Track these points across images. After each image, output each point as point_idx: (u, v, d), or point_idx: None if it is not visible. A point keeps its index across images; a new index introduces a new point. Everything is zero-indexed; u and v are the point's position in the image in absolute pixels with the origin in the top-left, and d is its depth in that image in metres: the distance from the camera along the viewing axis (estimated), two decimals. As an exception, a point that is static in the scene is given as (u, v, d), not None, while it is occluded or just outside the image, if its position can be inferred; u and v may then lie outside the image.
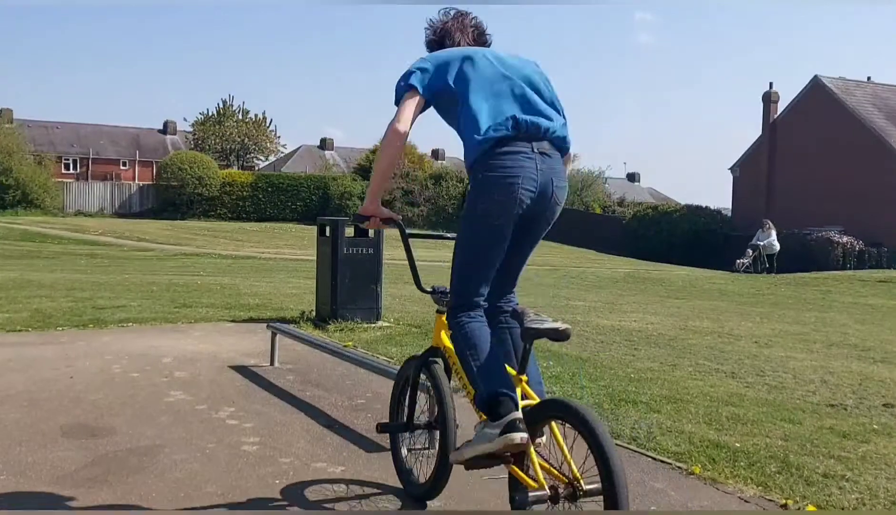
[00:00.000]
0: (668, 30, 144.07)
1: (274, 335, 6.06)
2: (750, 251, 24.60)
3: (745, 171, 41.13)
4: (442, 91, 2.86)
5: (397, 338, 7.28)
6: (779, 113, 39.78)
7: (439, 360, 3.16)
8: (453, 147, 56.79)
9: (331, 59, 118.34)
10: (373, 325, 7.89)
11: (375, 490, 3.44)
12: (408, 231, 3.25)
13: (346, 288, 7.91)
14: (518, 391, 2.68)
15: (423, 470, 3.32)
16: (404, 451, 3.46)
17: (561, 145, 2.85)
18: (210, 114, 54.86)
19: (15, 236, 27.44)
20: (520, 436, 2.52)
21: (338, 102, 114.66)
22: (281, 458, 3.84)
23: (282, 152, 60.02)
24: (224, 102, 55.33)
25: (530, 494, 2.53)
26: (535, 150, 2.74)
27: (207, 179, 41.41)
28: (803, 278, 22.71)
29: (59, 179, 44.36)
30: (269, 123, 56.45)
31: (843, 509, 3.31)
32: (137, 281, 12.93)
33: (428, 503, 3.30)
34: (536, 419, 2.61)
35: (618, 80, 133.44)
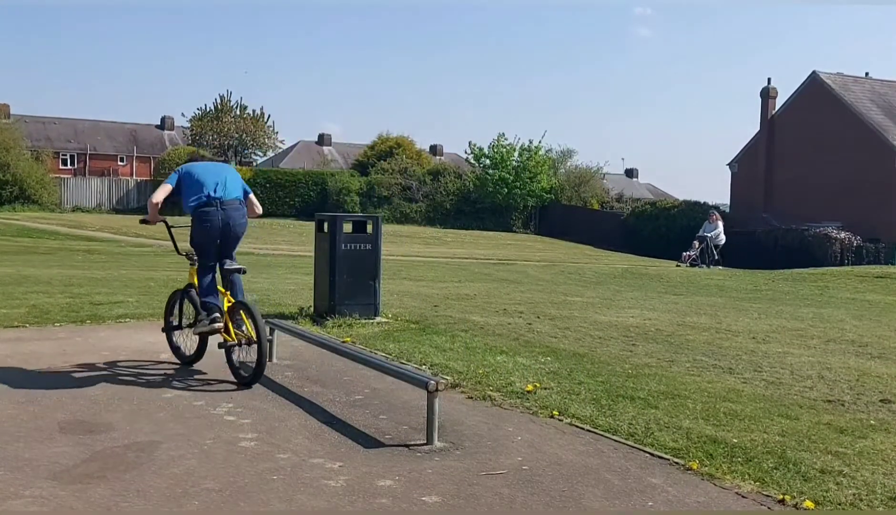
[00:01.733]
0: (667, 25, 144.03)
1: (272, 330, 6.05)
2: (696, 243, 24.50)
3: (744, 166, 41.17)
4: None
5: (395, 334, 7.27)
6: (777, 109, 39.80)
7: (193, 290, 5.60)
8: (452, 143, 56.84)
9: (329, 55, 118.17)
10: (371, 321, 7.88)
11: (373, 486, 3.45)
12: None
13: (345, 284, 7.90)
14: (224, 299, 5.44)
15: (188, 348, 5.75)
16: (176, 339, 5.85)
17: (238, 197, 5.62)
18: (208, 109, 54.69)
19: (12, 231, 27.41)
20: (218, 325, 5.33)
21: (336, 97, 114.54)
22: (279, 454, 3.84)
23: (280, 148, 59.95)
24: (222, 98, 55.14)
25: (228, 343, 5.29)
26: (219, 207, 5.46)
27: (205, 174, 41.35)
28: (801, 274, 22.73)
29: (57, 175, 44.29)
30: (267, 119, 56.31)
31: (839, 504, 3.32)
32: (135, 277, 12.91)
33: (426, 499, 3.30)
34: (232, 310, 5.37)
35: (616, 75, 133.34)
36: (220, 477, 3.49)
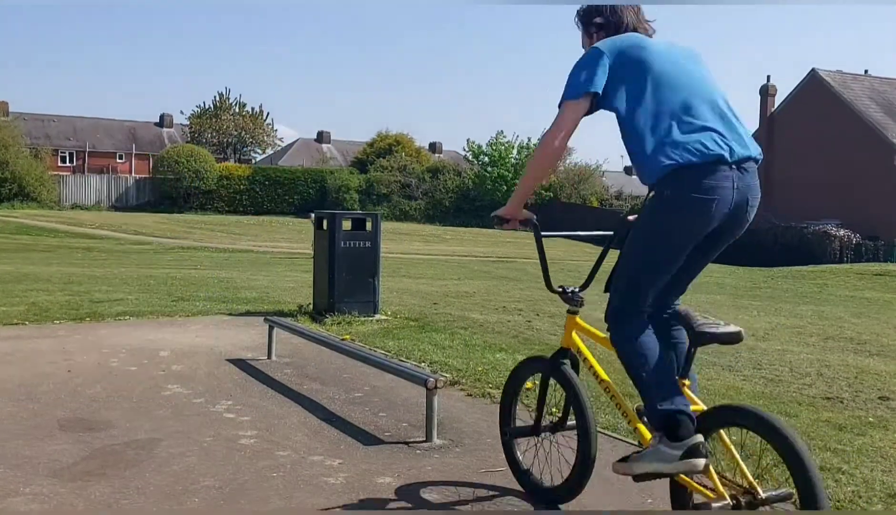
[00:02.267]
0: (666, 22, 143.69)
1: (271, 328, 6.06)
2: None
3: (743, 164, 41.12)
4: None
5: (394, 332, 7.28)
6: (776, 106, 39.78)
7: (568, 361, 3.13)
8: (451, 141, 56.76)
9: (328, 53, 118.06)
10: (370, 318, 7.89)
11: (372, 484, 3.45)
12: (542, 233, 3.23)
13: (344, 282, 7.91)
14: (691, 401, 2.64)
15: (550, 473, 3.21)
16: (519, 453, 3.37)
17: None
18: (207, 107, 54.69)
19: (11, 229, 27.40)
20: (703, 462, 2.49)
21: (335, 95, 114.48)
22: (278, 451, 3.84)
23: (279, 146, 59.94)
24: (221, 96, 55.15)
25: (713, 505, 2.47)
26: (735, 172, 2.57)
27: (204, 172, 41.36)
28: (800, 272, 22.74)
29: (56, 173, 44.28)
30: (266, 117, 56.31)
31: (838, 501, 3.32)
32: (134, 275, 12.92)
33: (426, 496, 3.31)
34: (709, 426, 2.57)
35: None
36: (220, 475, 3.49)
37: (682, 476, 2.56)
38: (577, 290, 3.14)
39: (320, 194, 42.09)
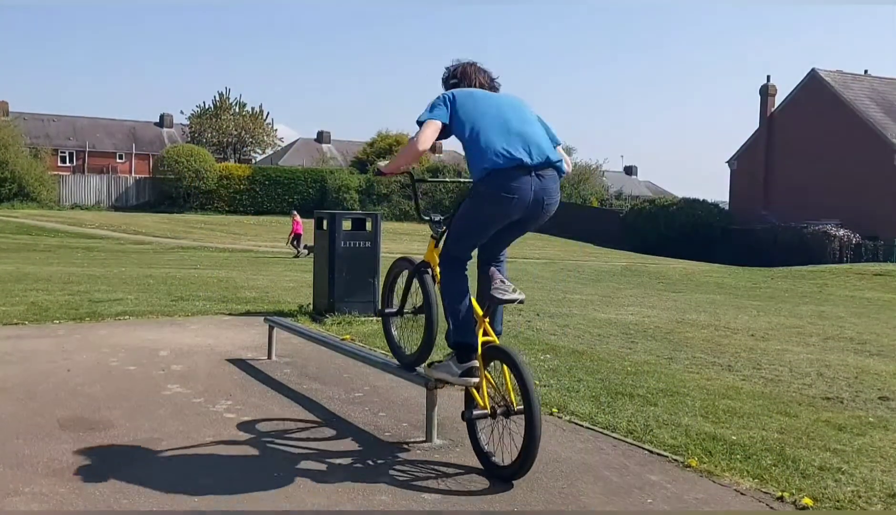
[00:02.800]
0: (666, 21, 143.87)
1: (271, 328, 6.05)
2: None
3: (743, 164, 41.16)
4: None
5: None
6: (776, 106, 39.79)
7: (429, 273, 3.99)
8: (451, 141, 56.68)
9: (328, 52, 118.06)
10: (370, 318, 7.88)
11: (373, 483, 3.45)
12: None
13: (344, 282, 7.90)
14: (480, 329, 3.62)
15: (409, 346, 4.24)
16: (394, 330, 4.38)
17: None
18: (207, 107, 54.67)
19: (11, 229, 27.40)
20: (475, 380, 3.56)
21: (335, 95, 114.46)
22: (278, 451, 3.84)
23: (279, 146, 59.91)
24: (221, 95, 55.13)
25: (475, 412, 3.60)
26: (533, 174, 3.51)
27: (204, 172, 41.35)
28: (800, 272, 22.75)
29: (56, 173, 44.28)
30: (266, 116, 56.28)
31: (838, 501, 3.32)
32: (134, 274, 12.92)
33: (426, 495, 3.31)
34: (489, 356, 3.59)
35: (616, 72, 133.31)
36: (220, 474, 3.49)
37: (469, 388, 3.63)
38: (441, 220, 3.94)
39: (320, 193, 42.08)
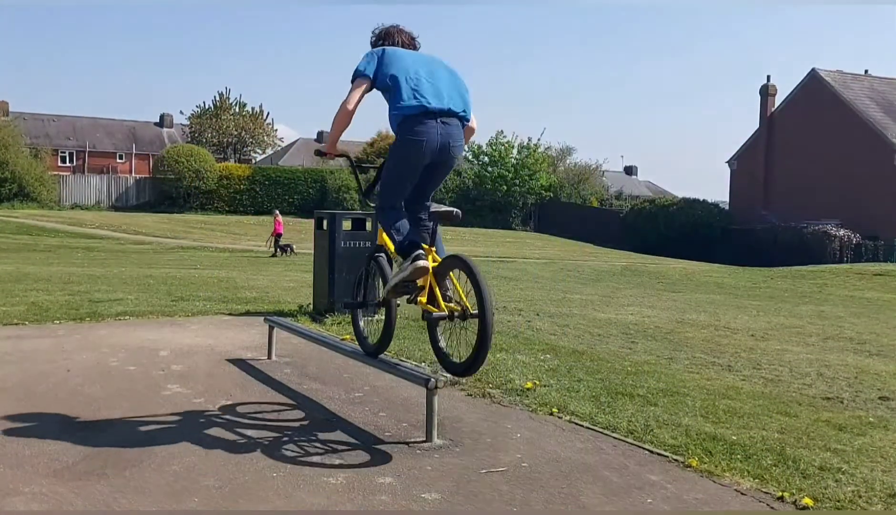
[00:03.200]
0: (666, 21, 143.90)
1: (271, 328, 6.05)
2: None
3: (743, 164, 41.17)
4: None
5: (395, 331, 7.26)
6: (776, 106, 39.80)
7: (383, 254, 4.35)
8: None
9: (328, 52, 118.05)
10: (370, 318, 7.87)
11: (373, 484, 3.45)
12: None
13: (344, 282, 7.89)
14: (429, 258, 3.97)
15: (373, 335, 4.60)
16: (361, 322, 4.77)
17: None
18: (207, 107, 54.65)
19: (11, 229, 27.39)
20: (423, 262, 3.88)
21: (335, 94, 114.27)
22: (278, 451, 3.84)
23: (279, 146, 59.88)
24: (221, 95, 55.11)
25: (435, 314, 3.94)
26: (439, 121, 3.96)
27: (204, 172, 41.34)
28: (800, 272, 22.75)
29: (56, 173, 44.27)
30: (266, 116, 56.26)
31: (838, 501, 3.32)
32: (134, 274, 12.92)
33: (426, 496, 3.31)
34: (440, 271, 3.94)
35: (616, 72, 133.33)
36: (220, 474, 3.49)
37: (423, 301, 3.99)
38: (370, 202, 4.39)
39: (320, 193, 42.07)
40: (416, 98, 3.87)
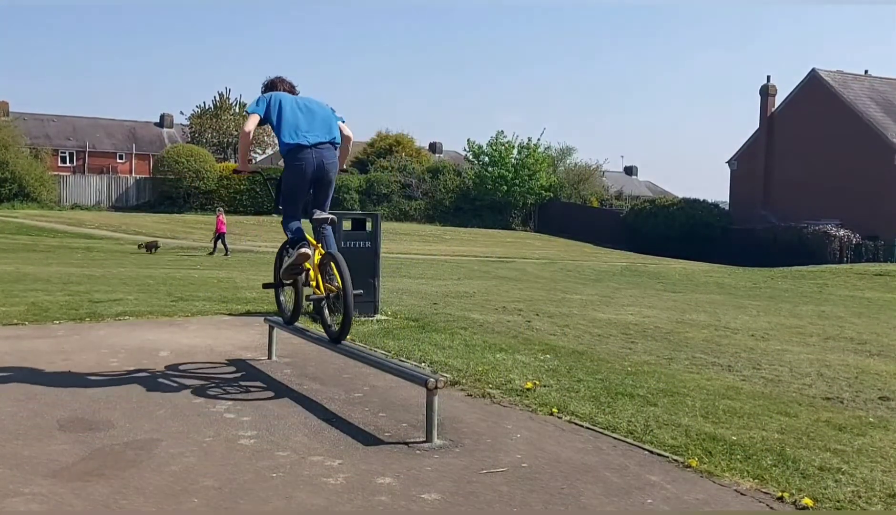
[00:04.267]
0: (667, 21, 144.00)
1: (271, 328, 6.05)
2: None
3: (743, 164, 41.17)
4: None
5: (395, 331, 7.27)
6: (776, 106, 39.79)
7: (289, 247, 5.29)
8: (451, 141, 56.75)
9: (328, 51, 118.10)
10: (370, 318, 7.89)
11: (372, 484, 3.45)
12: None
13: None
14: (315, 253, 5.13)
15: (289, 306, 5.70)
16: (282, 297, 5.79)
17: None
18: (207, 107, 54.64)
19: (11, 229, 27.38)
20: (304, 249, 5.03)
21: (335, 95, 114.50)
22: (278, 452, 3.84)
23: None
24: (221, 95, 55.10)
25: (315, 295, 5.13)
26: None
27: (204, 172, 41.33)
28: (800, 272, 22.75)
29: (56, 173, 44.24)
30: (266, 117, 56.20)
31: (838, 501, 3.32)
32: (134, 275, 12.92)
33: (426, 496, 3.31)
34: (323, 261, 5.10)
35: (616, 72, 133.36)
36: (220, 475, 3.49)
37: (315, 287, 5.14)
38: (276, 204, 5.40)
39: (320, 193, 42.05)
40: (295, 136, 5.01)
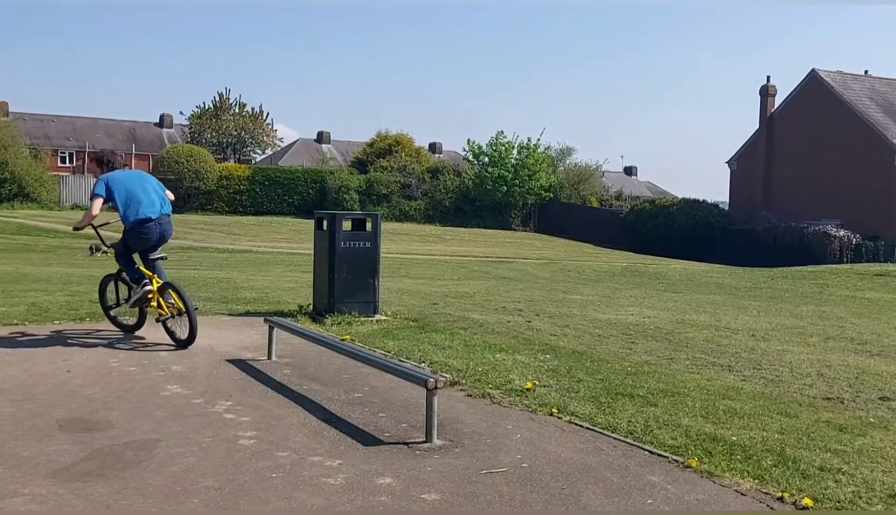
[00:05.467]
0: (667, 21, 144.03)
1: (271, 328, 6.05)
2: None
3: (743, 164, 41.17)
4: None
5: (394, 332, 7.27)
6: (776, 106, 39.78)
7: (124, 274, 6.66)
8: (451, 141, 56.75)
9: (328, 52, 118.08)
10: (370, 319, 7.88)
11: (372, 484, 3.44)
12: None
13: (344, 282, 7.89)
14: (154, 281, 6.43)
15: (128, 323, 6.96)
16: (114, 313, 6.99)
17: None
18: (207, 107, 54.60)
19: (11, 229, 27.36)
20: (147, 287, 6.38)
21: (335, 95, 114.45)
22: (278, 452, 3.84)
23: (279, 146, 59.87)
24: (220, 96, 55.06)
25: (162, 317, 6.42)
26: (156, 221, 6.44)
27: (204, 172, 41.28)
28: (800, 272, 22.74)
29: (55, 173, 44.19)
30: (266, 117, 56.24)
31: (838, 502, 3.32)
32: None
33: (426, 496, 3.31)
34: (161, 289, 6.40)
35: (616, 73, 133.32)
36: (220, 475, 3.48)
37: (155, 306, 6.47)
38: (105, 249, 6.86)
39: (320, 194, 42.01)
40: (139, 213, 6.26)
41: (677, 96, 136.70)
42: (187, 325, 6.26)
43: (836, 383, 5.91)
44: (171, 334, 6.46)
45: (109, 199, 6.36)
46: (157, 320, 6.44)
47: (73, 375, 5.30)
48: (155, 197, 6.46)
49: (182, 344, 6.29)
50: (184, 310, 6.26)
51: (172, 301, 6.35)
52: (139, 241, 6.41)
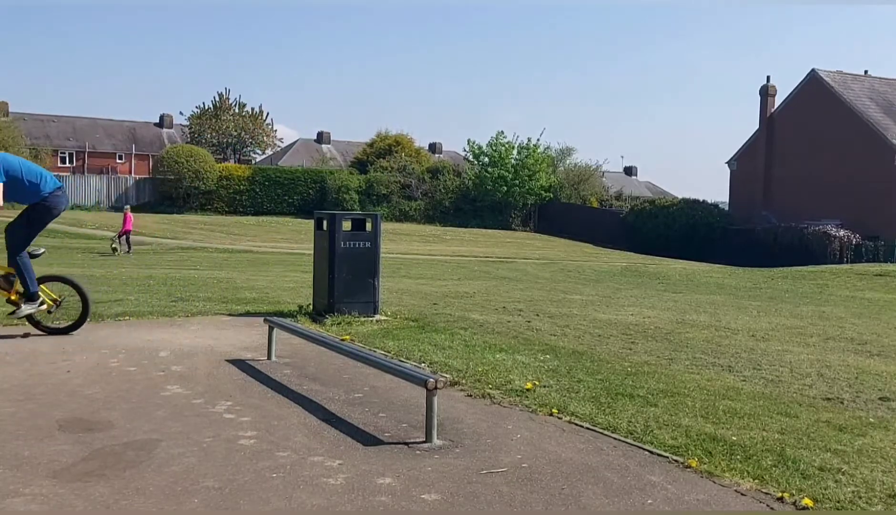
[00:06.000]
0: (667, 21, 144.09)
1: (271, 329, 6.05)
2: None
3: (743, 164, 41.17)
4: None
5: (394, 332, 7.27)
6: (776, 107, 39.79)
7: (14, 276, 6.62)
8: (451, 141, 56.72)
9: (328, 52, 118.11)
10: (370, 319, 7.88)
11: (372, 484, 3.45)
12: None
13: (344, 282, 7.90)
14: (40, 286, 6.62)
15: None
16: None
17: None
18: (206, 107, 54.62)
19: (11, 229, 27.34)
20: (45, 306, 6.56)
21: (335, 95, 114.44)
22: (278, 452, 3.84)
23: (279, 146, 59.89)
24: (220, 96, 55.08)
25: (43, 307, 6.61)
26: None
27: (204, 172, 41.30)
28: (800, 272, 22.75)
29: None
30: (266, 117, 56.26)
31: (838, 502, 3.32)
32: (134, 275, 12.91)
33: (426, 497, 3.31)
34: (44, 280, 6.65)
35: (616, 73, 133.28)
36: (220, 475, 3.49)
37: (37, 314, 6.67)
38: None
39: (320, 194, 42.03)
40: (56, 180, 6.43)
41: (677, 96, 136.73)
42: (79, 312, 6.73)
43: (836, 383, 5.91)
44: (44, 327, 6.81)
45: (7, 178, 6.20)
46: (23, 315, 6.66)
47: (73, 375, 5.30)
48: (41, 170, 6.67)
49: (66, 331, 6.72)
50: (68, 296, 6.76)
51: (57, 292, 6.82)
52: (50, 215, 6.50)
